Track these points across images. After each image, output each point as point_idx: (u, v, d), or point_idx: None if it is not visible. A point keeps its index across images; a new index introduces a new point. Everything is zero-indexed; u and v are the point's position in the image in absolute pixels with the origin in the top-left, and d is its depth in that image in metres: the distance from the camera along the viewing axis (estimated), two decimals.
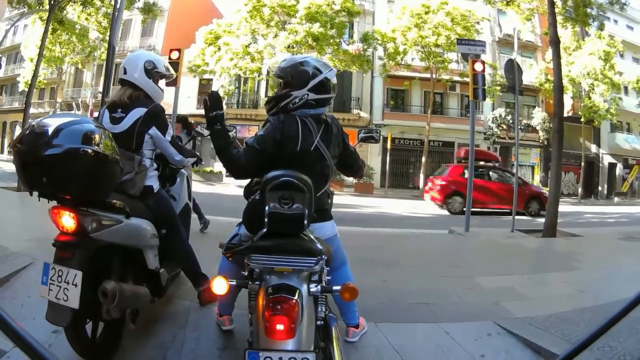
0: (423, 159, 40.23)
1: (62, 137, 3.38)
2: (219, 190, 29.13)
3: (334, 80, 4.35)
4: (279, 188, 3.26)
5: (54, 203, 3.77)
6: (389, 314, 5.87)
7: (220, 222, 11.74)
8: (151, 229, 4.65)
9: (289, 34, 35.47)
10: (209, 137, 4.04)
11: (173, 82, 6.12)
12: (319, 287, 3.14)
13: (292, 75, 4.17)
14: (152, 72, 5.08)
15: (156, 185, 5.07)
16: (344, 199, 23.28)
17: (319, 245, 3.25)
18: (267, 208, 3.27)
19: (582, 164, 43.36)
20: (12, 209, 13.39)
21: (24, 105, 21.02)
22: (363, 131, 5.30)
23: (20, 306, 5.12)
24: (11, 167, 17.76)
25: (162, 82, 5.48)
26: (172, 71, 5.62)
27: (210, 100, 3.95)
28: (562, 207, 15.00)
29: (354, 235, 10.33)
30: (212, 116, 3.91)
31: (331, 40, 36.09)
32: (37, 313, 4.56)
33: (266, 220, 3.27)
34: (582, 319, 5.60)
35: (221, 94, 33.53)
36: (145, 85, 5.03)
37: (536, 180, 44.96)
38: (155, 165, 5.13)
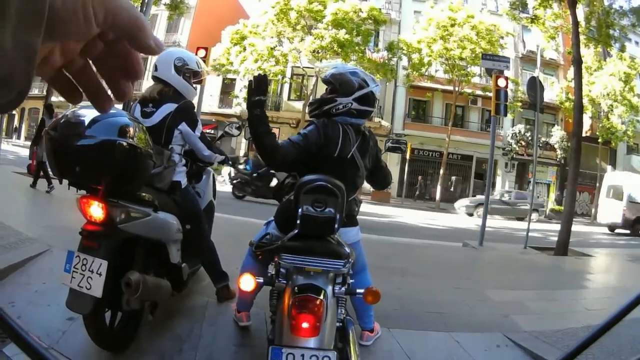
0: (441, 171, 40.04)
1: (97, 128, 3.45)
2: None
3: (378, 96, 4.50)
4: (313, 191, 3.40)
5: (80, 192, 3.82)
6: (402, 320, 5.97)
7: (237, 222, 11.90)
8: (177, 224, 4.73)
9: (315, 38, 35.27)
10: (237, 137, 4.10)
11: (199, 80, 6.13)
12: (343, 288, 3.27)
13: (341, 83, 4.29)
14: (182, 69, 5.16)
15: (184, 181, 5.15)
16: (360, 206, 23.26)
17: (346, 249, 3.38)
18: (300, 210, 3.39)
19: (597, 184, 42.97)
20: (28, 195, 13.45)
21: (44, 93, 21.03)
22: (391, 141, 5.37)
23: (35, 292, 5.16)
24: (28, 153, 17.65)
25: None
26: (204, 68, 5.66)
27: (256, 83, 3.96)
28: (575, 227, 14.98)
29: (371, 242, 10.25)
30: (256, 100, 3.94)
31: (356, 48, 35.92)
32: (51, 300, 4.73)
33: (298, 221, 3.39)
34: (587, 336, 5.64)
35: (244, 94, 33.50)
36: (175, 82, 5.12)
37: (551, 198, 44.82)
38: (184, 161, 5.20)
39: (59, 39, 0.60)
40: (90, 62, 0.71)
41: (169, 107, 4.98)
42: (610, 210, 31.03)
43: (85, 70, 0.71)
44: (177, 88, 5.14)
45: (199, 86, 6.17)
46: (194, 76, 5.36)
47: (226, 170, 23.93)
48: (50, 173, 12.85)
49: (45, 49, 0.60)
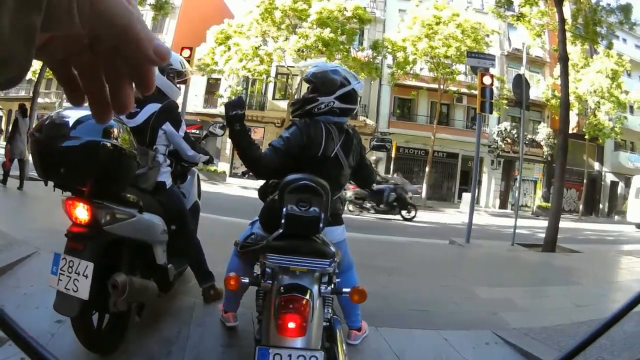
0: (427, 169, 40.17)
1: (82, 129, 3.44)
2: (222, 189, 29.09)
3: (360, 93, 4.47)
4: (297, 191, 3.39)
5: (65, 193, 3.81)
6: (389, 319, 5.96)
7: (223, 222, 11.82)
8: (162, 225, 4.71)
9: (300, 37, 35.37)
10: (221, 137, 4.15)
11: (183, 80, 5.91)
12: (329, 288, 3.25)
13: (322, 82, 4.28)
14: (165, 69, 5.14)
15: (169, 182, 5.13)
16: (346, 205, 23.37)
17: (332, 248, 3.36)
18: (284, 209, 3.38)
19: (585, 181, 43.19)
20: (17, 198, 13.38)
21: (31, 94, 21.06)
22: (375, 140, 5.36)
23: (23, 295, 5.14)
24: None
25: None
26: (188, 68, 5.60)
27: (231, 102, 4.09)
28: (563, 224, 15.02)
29: (357, 241, 10.27)
30: (232, 115, 4.01)
31: (341, 46, 36.06)
32: (40, 302, 4.70)
33: (283, 221, 3.37)
34: (578, 332, 5.65)
35: (228, 94, 33.25)
36: (159, 82, 4.96)
37: (538, 195, 44.90)
38: (168, 162, 5.17)
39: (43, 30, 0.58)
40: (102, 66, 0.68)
41: (152, 107, 4.96)
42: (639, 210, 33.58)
43: (91, 68, 0.68)
44: (161, 88, 5.11)
45: (183, 86, 6.11)
46: (178, 76, 5.36)
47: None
48: (33, 174, 13.00)
49: (42, 36, 0.58)
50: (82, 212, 3.69)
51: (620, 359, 4.73)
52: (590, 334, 1.11)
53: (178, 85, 5.41)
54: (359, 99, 4.50)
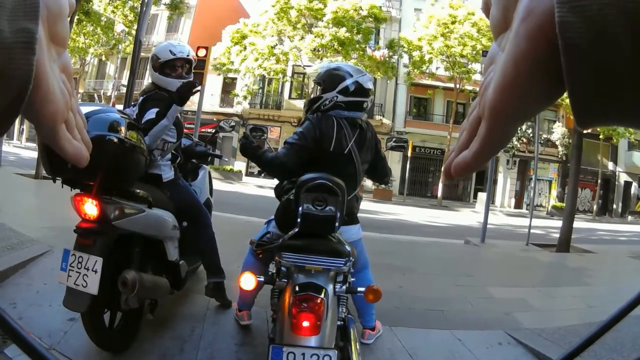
0: (443, 169, 39.87)
1: (88, 125, 3.39)
2: (238, 188, 29.11)
3: (368, 85, 4.46)
4: (313, 190, 3.41)
5: (76, 190, 3.83)
6: (403, 318, 5.99)
7: (239, 221, 11.89)
8: (172, 221, 4.70)
9: (316, 37, 35.41)
10: (232, 132, 4.20)
11: (199, 80, 5.68)
12: (344, 287, 3.29)
13: (325, 80, 4.36)
14: (155, 64, 5.10)
15: (167, 175, 5.02)
16: (362, 204, 23.36)
17: (347, 247, 3.39)
18: (300, 209, 3.40)
19: (599, 181, 43.03)
20: (30, 196, 13.37)
21: None
22: (393, 140, 5.33)
23: (36, 293, 5.16)
24: (29, 155, 17.69)
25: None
26: (182, 52, 5.17)
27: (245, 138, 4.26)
28: (577, 224, 14.97)
29: (372, 241, 10.22)
30: (240, 138, 4.19)
31: (357, 46, 36.06)
32: (53, 300, 4.69)
33: (299, 220, 3.40)
34: (590, 333, 5.64)
35: (244, 93, 33.20)
36: (152, 77, 5.16)
37: (553, 195, 44.80)
38: (169, 156, 5.08)
39: None
40: None
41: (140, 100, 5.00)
42: None
43: None
44: (156, 83, 5.11)
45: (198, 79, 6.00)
46: (182, 66, 5.18)
47: None
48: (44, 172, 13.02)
49: None
50: (90, 208, 3.72)
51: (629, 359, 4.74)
52: (593, 332, 1.12)
53: (175, 75, 5.12)
54: (368, 91, 4.48)
